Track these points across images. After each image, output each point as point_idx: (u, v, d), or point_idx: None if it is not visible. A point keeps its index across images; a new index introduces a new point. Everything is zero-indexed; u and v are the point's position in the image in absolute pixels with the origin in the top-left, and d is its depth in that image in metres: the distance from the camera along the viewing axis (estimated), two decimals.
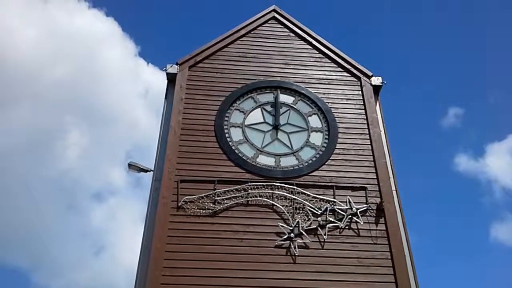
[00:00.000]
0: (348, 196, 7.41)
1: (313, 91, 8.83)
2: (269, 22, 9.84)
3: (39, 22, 28.23)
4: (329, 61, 9.35)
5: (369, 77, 9.10)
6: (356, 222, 7.20)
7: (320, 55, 9.42)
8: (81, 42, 28.52)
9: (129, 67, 31.50)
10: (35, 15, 28.47)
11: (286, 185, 7.44)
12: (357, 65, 9.25)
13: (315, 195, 7.38)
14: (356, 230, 7.15)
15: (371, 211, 7.34)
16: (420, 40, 28.68)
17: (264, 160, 7.79)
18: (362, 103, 8.73)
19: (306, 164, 7.79)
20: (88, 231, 27.47)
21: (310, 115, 8.53)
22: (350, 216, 7.23)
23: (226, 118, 8.23)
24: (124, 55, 31.80)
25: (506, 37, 26.47)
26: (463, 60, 28.20)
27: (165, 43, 31.00)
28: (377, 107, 8.80)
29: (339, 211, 7.26)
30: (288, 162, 7.82)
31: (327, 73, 9.18)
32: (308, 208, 7.24)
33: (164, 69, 8.75)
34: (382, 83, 9.06)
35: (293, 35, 9.70)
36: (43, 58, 27.99)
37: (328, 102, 8.71)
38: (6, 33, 25.69)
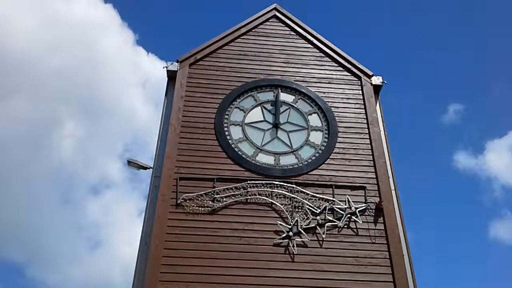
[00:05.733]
0: (347, 195, 7.42)
1: (313, 90, 8.83)
2: (270, 20, 9.83)
3: (37, 10, 27.96)
4: (330, 60, 9.35)
5: (369, 76, 9.10)
6: (355, 221, 7.21)
7: (321, 54, 9.42)
8: (79, 30, 28.15)
9: (128, 57, 31.11)
10: (33, 3, 28.23)
11: (285, 184, 7.44)
12: (357, 65, 9.25)
13: (314, 194, 7.39)
14: (355, 229, 7.16)
15: (370, 210, 7.35)
16: (420, 38, 28.74)
17: (264, 159, 7.79)
18: (362, 102, 8.73)
19: (306, 163, 7.80)
20: (84, 225, 27.38)
21: (310, 114, 8.54)
22: (349, 215, 7.24)
23: (226, 116, 8.24)
24: (123, 43, 31.30)
25: (507, 34, 26.50)
26: (463, 57, 28.24)
27: (165, 32, 30.69)
28: (377, 107, 8.80)
29: (338, 210, 7.27)
30: (288, 160, 7.82)
31: (327, 72, 9.18)
32: (307, 207, 7.25)
33: (164, 66, 8.76)
34: (382, 82, 9.07)
35: (294, 33, 9.70)
36: (41, 47, 27.65)
37: (328, 101, 8.71)
38: (3, 22, 25.48)
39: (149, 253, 6.63)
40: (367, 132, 8.30)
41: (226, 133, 8.01)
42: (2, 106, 25.07)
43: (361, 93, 8.87)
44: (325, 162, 7.84)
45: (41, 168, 26.55)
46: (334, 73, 9.18)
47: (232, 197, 7.26)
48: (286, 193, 7.36)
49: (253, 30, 9.57)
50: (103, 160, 28.93)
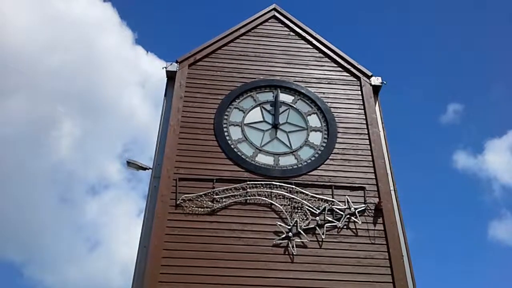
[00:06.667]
0: (346, 196, 7.42)
1: (312, 91, 8.83)
2: (270, 21, 9.84)
3: (35, 9, 27.80)
4: (329, 60, 9.35)
5: (368, 77, 9.10)
6: (354, 222, 7.21)
7: (320, 55, 9.43)
8: (78, 29, 27.96)
9: (127, 56, 30.92)
10: (32, 1, 28.10)
11: (284, 184, 7.44)
12: (357, 65, 9.25)
13: (313, 195, 7.39)
14: (354, 230, 7.16)
15: (369, 211, 7.35)
16: (419, 38, 28.71)
17: (263, 159, 7.79)
18: (362, 103, 8.73)
19: (305, 163, 7.80)
20: (83, 225, 27.29)
21: (310, 115, 8.54)
22: (348, 215, 7.24)
23: (225, 117, 8.23)
24: (122, 42, 31.16)
25: (506, 34, 26.51)
26: (462, 57, 28.23)
27: (164, 31, 30.54)
28: (377, 107, 8.81)
29: (338, 210, 7.27)
30: (287, 161, 7.82)
31: (327, 72, 9.18)
32: (307, 207, 7.25)
33: (163, 67, 8.76)
34: (381, 83, 9.07)
35: (293, 34, 9.70)
36: (40, 46, 27.50)
37: (328, 102, 8.71)
38: (2, 20, 25.34)
39: (148, 253, 6.62)
40: (367, 132, 8.30)
41: (226, 133, 8.01)
42: (1, 105, 25.04)
43: (360, 94, 8.87)
44: (325, 163, 7.84)
45: (40, 167, 26.48)
46: (334, 73, 9.18)
47: (232, 198, 7.25)
48: (285, 193, 7.36)
49: (252, 31, 9.57)
50: (102, 160, 28.85)
